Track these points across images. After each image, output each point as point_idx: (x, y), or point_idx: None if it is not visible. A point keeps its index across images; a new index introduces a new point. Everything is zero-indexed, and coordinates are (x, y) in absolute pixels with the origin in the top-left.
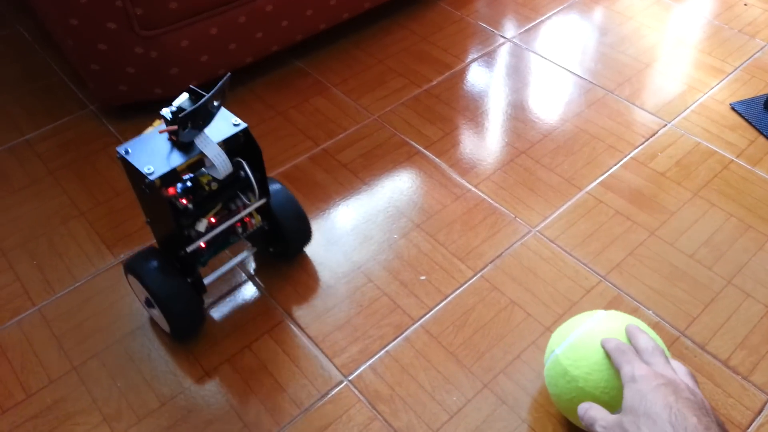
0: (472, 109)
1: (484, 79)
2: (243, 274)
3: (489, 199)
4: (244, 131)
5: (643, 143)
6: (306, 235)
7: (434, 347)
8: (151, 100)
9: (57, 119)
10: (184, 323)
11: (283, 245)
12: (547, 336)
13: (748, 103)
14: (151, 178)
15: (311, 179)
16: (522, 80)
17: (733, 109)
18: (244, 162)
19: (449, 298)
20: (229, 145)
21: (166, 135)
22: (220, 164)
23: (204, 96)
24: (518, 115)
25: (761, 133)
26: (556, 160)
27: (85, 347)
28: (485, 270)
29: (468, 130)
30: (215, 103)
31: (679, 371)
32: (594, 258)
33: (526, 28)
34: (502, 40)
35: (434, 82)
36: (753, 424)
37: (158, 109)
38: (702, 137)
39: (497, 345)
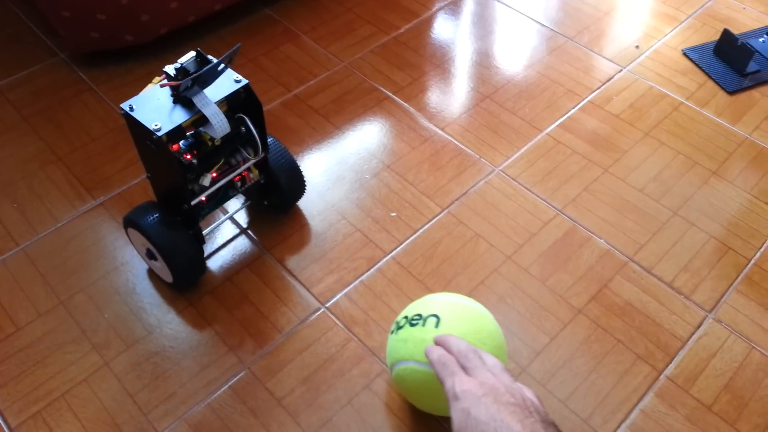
0: (438, 56)
1: (451, 26)
2: (222, 215)
3: (455, 141)
4: (245, 87)
5: (600, 87)
6: (301, 189)
7: (405, 276)
8: (122, 47)
9: (27, 67)
10: (188, 273)
11: (278, 198)
12: (508, 264)
13: (699, 49)
14: (159, 134)
15: (284, 124)
16: (487, 28)
17: (684, 54)
18: (246, 118)
19: (418, 233)
20: (230, 101)
21: (167, 92)
22: (218, 125)
23: (211, 61)
24: (483, 61)
25: (710, 77)
26: (518, 104)
27: (71, 283)
28: (452, 206)
29: (435, 76)
30: (220, 67)
31: (495, 368)
32: (552, 194)
33: None
34: None
35: (402, 30)
36: (693, 337)
37: (129, 56)
38: (655, 81)
39: (463, 273)
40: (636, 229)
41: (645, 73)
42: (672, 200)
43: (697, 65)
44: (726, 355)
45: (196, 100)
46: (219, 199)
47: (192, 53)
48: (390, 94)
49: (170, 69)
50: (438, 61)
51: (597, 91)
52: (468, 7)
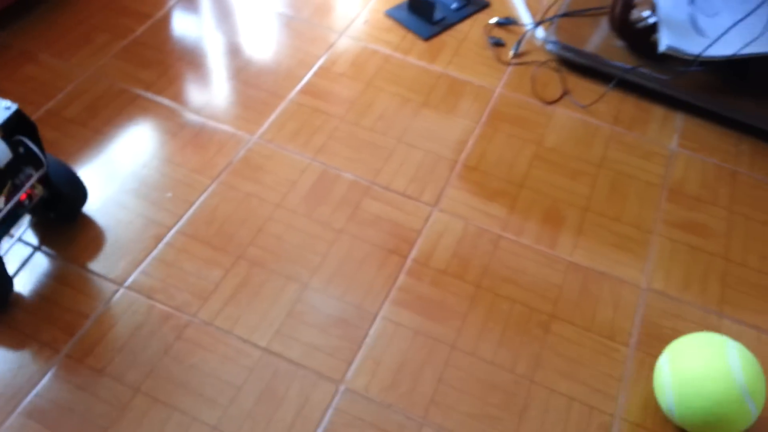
0: (179, 49)
1: (186, 20)
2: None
3: (211, 121)
4: (17, 112)
5: (325, 53)
6: (83, 194)
7: (192, 243)
8: None
9: None
10: None
11: (64, 207)
12: (279, 210)
13: (397, 8)
14: None
15: (43, 140)
16: (220, 17)
17: (387, 15)
18: (25, 139)
19: (195, 205)
20: (5, 128)
21: None
22: None
23: None
24: (221, 47)
25: (409, 30)
26: (261, 80)
27: None
28: (221, 176)
29: (181, 68)
30: None
31: None
32: (303, 147)
33: None
34: None
35: (139, 32)
36: (425, 227)
37: None
38: (367, 41)
39: (242, 227)
40: (372, 160)
41: (359, 36)
42: (395, 132)
43: (397, 22)
44: (450, 233)
45: None
46: (10, 221)
47: None
48: (141, 91)
49: None
50: (179, 54)
51: (323, 58)
52: (198, 1)
